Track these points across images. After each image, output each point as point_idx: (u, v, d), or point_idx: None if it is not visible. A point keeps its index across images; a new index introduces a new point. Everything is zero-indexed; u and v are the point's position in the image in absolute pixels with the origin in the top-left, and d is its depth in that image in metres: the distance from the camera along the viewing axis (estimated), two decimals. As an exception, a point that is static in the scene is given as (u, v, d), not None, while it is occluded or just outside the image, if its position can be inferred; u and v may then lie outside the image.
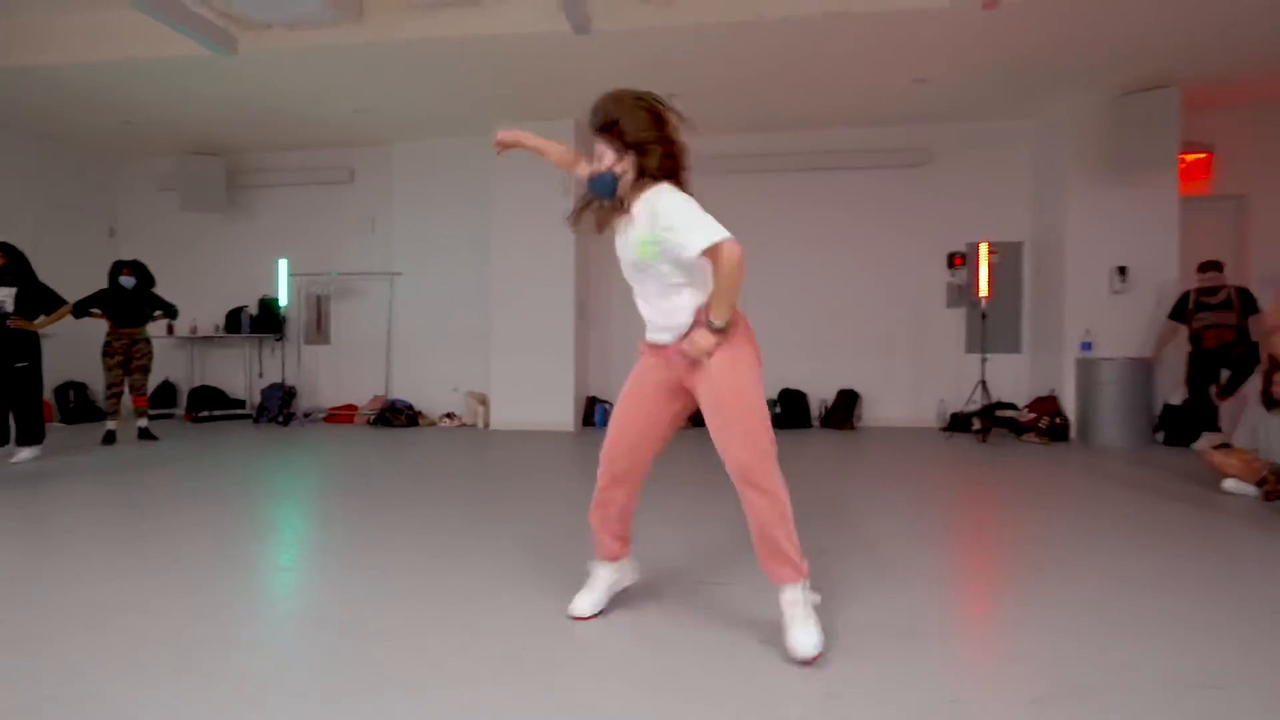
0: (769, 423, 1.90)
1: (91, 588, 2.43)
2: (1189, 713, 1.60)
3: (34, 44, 5.33)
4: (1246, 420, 3.99)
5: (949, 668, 1.83)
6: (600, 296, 7.22)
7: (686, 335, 1.91)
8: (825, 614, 2.01)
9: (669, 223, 1.81)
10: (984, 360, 6.05)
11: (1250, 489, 3.80)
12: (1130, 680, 1.76)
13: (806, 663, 1.79)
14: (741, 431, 1.86)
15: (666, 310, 1.94)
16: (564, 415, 6.72)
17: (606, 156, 1.90)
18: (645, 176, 1.88)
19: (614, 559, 2.16)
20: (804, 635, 1.81)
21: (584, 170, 2.05)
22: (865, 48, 5.11)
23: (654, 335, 2.01)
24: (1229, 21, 4.69)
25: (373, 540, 3.04)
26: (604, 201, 1.96)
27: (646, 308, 2.00)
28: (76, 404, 7.30)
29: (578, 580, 2.22)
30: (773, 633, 1.92)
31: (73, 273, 7.44)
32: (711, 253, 1.77)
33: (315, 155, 7.71)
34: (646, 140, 1.87)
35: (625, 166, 1.89)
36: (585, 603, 2.11)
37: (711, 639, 1.99)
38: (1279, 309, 4.75)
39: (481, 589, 2.41)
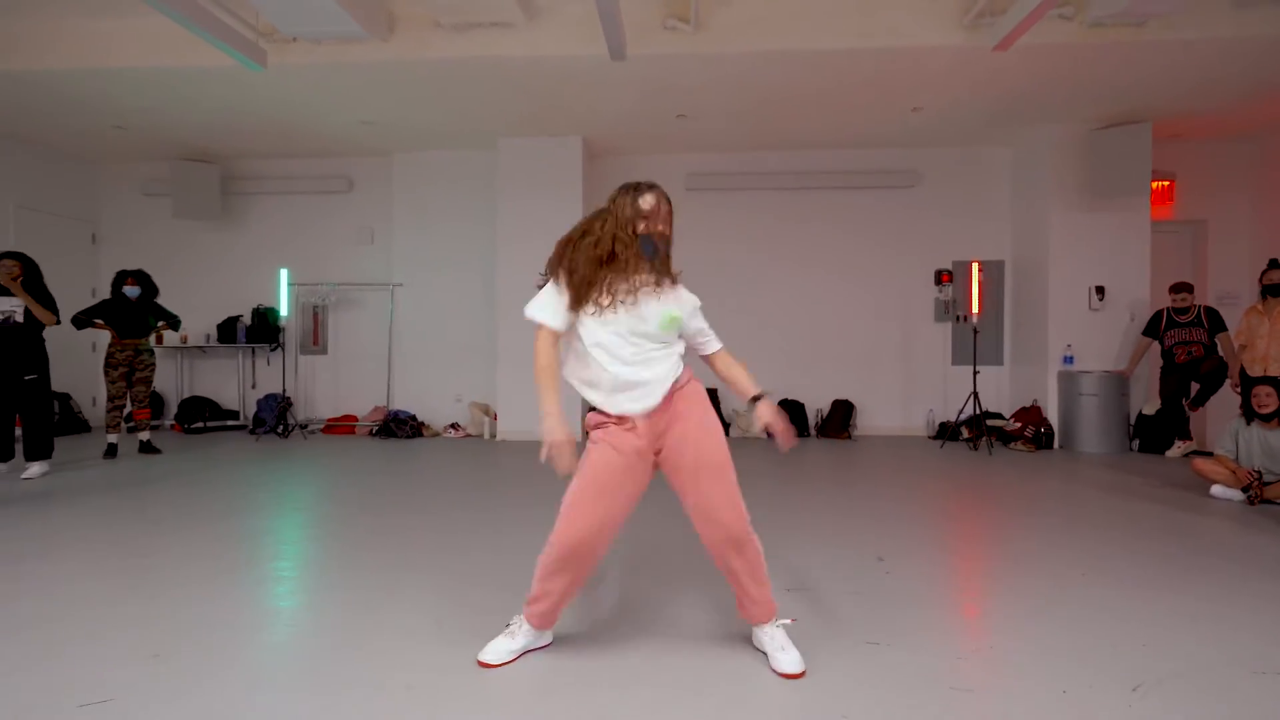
0: None
1: (118, 614, 2.48)
2: (1264, 694, 1.86)
3: (35, 49, 5.19)
4: (1229, 429, 4.38)
5: (1055, 655, 2.06)
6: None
7: (666, 405, 2.01)
8: (907, 613, 2.21)
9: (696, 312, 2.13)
10: (975, 373, 6.41)
11: (1236, 494, 4.19)
12: (1206, 667, 2.01)
13: (794, 677, 1.96)
14: (730, 492, 1.98)
15: (651, 376, 2.00)
16: (571, 424, 6.81)
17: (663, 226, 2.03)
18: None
19: (544, 628, 2.15)
20: (789, 657, 1.99)
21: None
22: (874, 79, 5.40)
23: (623, 405, 1.99)
24: (1196, 67, 5.16)
25: (392, 559, 3.13)
26: (647, 259, 2.02)
27: (626, 371, 1.97)
28: (62, 415, 7.06)
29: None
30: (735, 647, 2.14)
31: (53, 278, 7.18)
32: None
33: (313, 164, 7.64)
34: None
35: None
36: (500, 649, 2.07)
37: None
38: (1246, 328, 5.23)
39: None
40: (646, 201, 2.01)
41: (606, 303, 1.96)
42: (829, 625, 2.32)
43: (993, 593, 2.68)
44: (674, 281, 2.07)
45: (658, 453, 2.04)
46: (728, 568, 2.03)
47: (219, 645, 2.16)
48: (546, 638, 2.18)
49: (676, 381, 2.03)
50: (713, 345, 2.17)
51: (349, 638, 2.23)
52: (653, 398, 1.99)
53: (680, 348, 2.08)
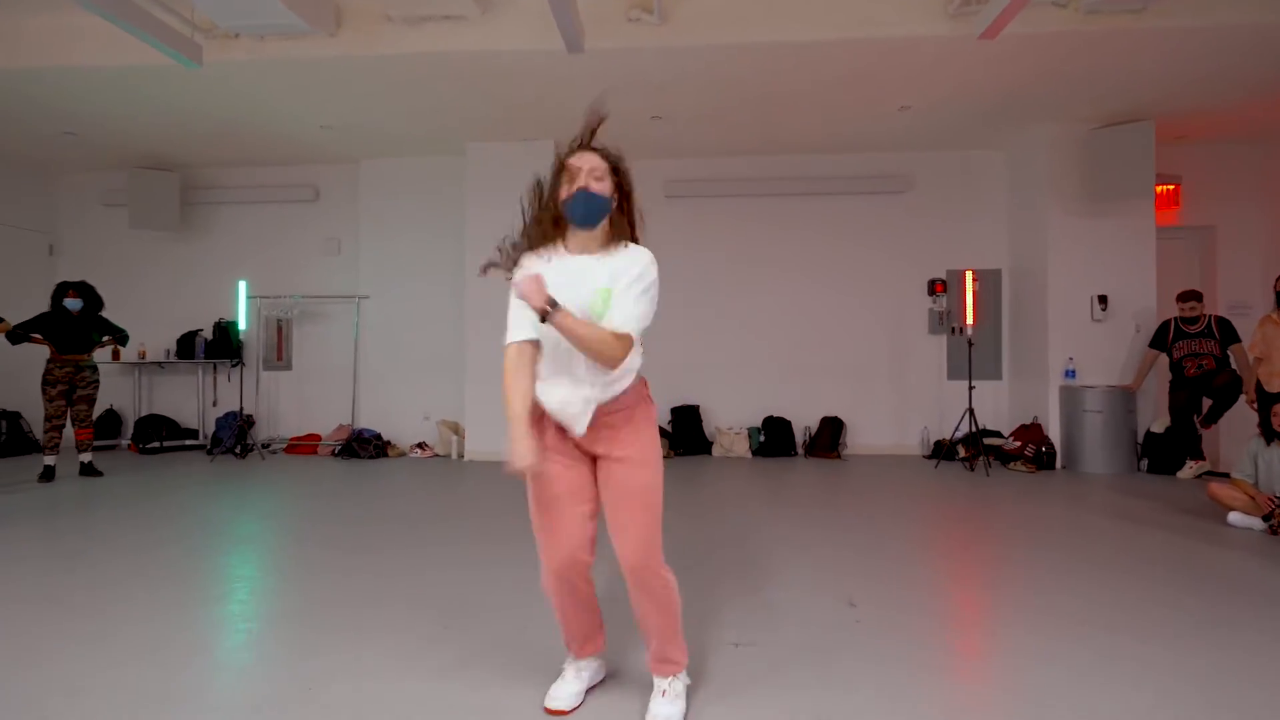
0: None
1: (24, 666, 2.10)
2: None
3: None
4: (1247, 451, 3.97)
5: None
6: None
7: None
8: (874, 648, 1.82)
9: (645, 286, 1.70)
10: (971, 388, 6.00)
11: (1256, 522, 3.78)
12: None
13: None
14: (643, 522, 1.72)
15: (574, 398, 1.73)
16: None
17: (605, 184, 1.72)
18: (623, 231, 1.78)
19: (589, 655, 1.96)
20: (661, 710, 1.75)
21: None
22: (854, 74, 5.06)
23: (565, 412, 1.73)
24: (1198, 58, 4.78)
25: (343, 598, 2.75)
26: (577, 227, 1.74)
27: (541, 388, 1.74)
28: (8, 436, 6.72)
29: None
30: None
31: (7, 294, 6.92)
32: (624, 340, 1.65)
33: (276, 172, 7.34)
34: (633, 198, 1.81)
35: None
36: (564, 693, 1.86)
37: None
38: (1262, 340, 4.82)
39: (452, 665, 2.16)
40: (572, 159, 1.72)
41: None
42: (771, 693, 1.93)
43: (977, 650, 2.28)
44: (626, 244, 1.77)
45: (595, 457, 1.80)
46: (636, 607, 1.77)
47: (133, 681, 1.79)
48: (595, 667, 1.97)
49: (615, 402, 1.74)
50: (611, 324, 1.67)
51: (291, 670, 1.86)
52: (578, 426, 1.73)
53: (633, 373, 1.77)
